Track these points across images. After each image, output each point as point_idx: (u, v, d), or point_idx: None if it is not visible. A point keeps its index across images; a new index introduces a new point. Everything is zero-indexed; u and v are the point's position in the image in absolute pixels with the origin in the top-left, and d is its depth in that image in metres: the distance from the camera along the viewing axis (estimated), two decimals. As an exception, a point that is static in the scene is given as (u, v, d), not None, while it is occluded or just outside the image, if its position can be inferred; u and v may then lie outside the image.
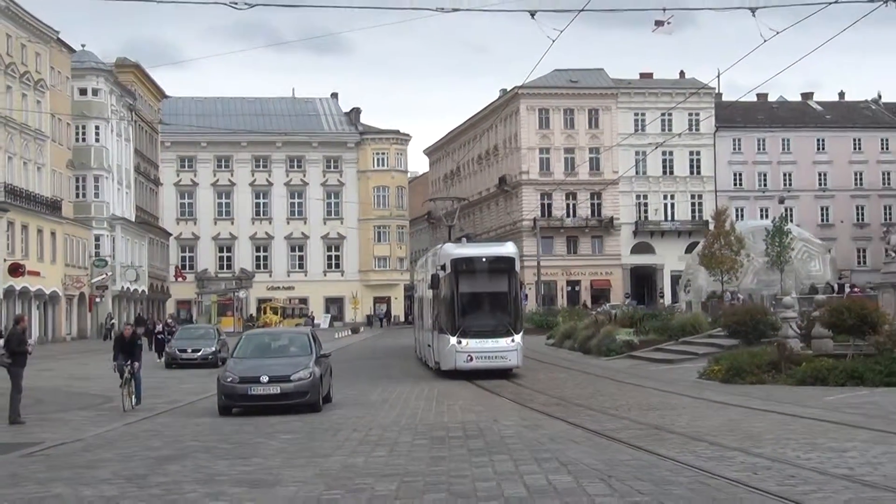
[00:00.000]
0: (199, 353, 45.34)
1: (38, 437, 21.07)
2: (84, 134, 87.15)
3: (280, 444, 19.09)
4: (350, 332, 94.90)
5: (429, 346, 37.91)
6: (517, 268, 34.54)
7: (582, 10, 27.21)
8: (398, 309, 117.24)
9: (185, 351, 45.18)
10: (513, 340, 32.50)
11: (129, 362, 26.05)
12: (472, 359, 31.70)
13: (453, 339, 32.08)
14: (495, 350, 32.14)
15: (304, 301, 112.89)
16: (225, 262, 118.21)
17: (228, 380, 24.02)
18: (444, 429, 20.89)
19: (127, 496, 13.51)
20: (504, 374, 33.64)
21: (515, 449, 17.19)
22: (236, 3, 26.70)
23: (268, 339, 29.39)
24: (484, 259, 33.72)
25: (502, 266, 33.62)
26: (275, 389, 23.23)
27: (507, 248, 36.26)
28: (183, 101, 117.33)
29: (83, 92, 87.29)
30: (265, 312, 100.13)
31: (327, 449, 18.04)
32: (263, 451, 18.06)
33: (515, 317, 33.84)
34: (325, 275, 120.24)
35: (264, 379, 23.30)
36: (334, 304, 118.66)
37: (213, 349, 45.71)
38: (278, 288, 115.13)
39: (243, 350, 26.65)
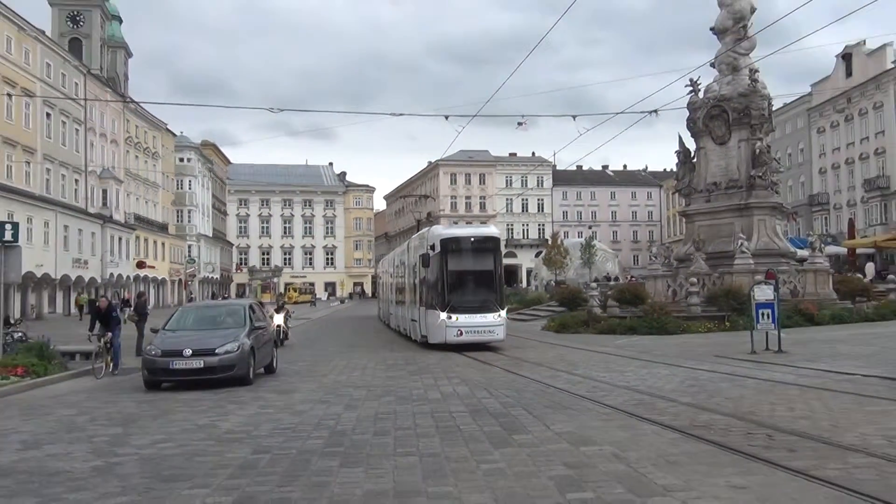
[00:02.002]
0: None
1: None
2: (181, 185, 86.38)
3: (297, 367, 18.99)
4: (340, 303, 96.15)
5: (413, 320, 27.62)
6: (501, 248, 25.88)
7: (475, 115, 27.51)
8: (368, 289, 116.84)
9: None
10: (499, 316, 23.65)
11: (105, 332, 18.18)
12: (461, 333, 23.00)
13: (443, 315, 23.11)
14: (483, 325, 23.30)
15: (312, 284, 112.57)
16: (265, 261, 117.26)
17: (151, 353, 15.31)
18: (393, 360, 20.87)
19: (205, 399, 13.39)
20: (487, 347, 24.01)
21: (436, 371, 17.21)
22: (272, 109, 27.23)
23: (203, 311, 19.44)
24: (472, 239, 24.55)
25: (489, 245, 24.53)
26: (198, 363, 14.83)
27: (492, 230, 26.72)
28: (240, 166, 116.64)
29: (181, 160, 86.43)
30: (288, 291, 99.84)
31: (325, 370, 18.00)
32: (286, 371, 17.98)
33: (501, 293, 24.58)
34: (324, 269, 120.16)
35: (187, 352, 14.91)
36: (330, 286, 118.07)
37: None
38: (297, 277, 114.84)
39: (175, 322, 17.27)
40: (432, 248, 23.98)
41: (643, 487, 6.56)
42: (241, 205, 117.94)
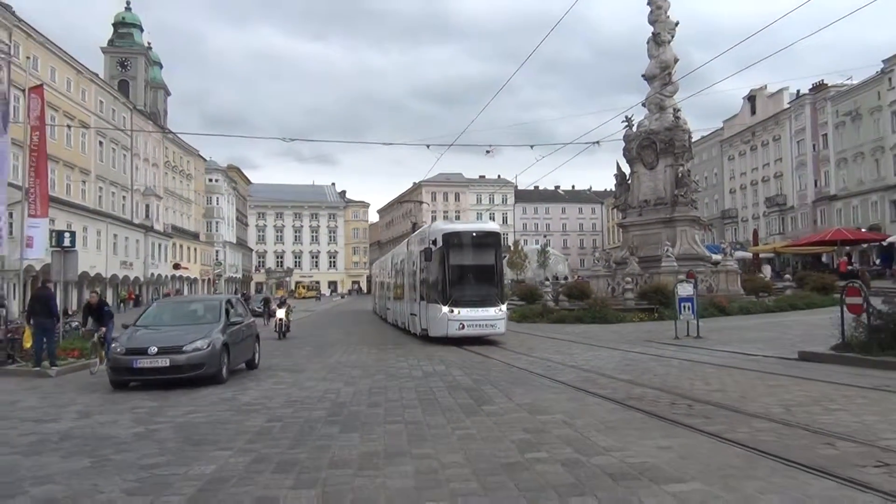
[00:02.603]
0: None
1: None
2: (211, 201, 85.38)
3: (304, 352, 18.85)
4: (340, 298, 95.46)
5: (412, 314, 23.31)
6: (501, 243, 21.88)
7: (451, 144, 28.02)
8: (364, 286, 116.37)
9: (258, 307, 40.44)
10: (500, 310, 19.85)
11: (98, 328, 15.50)
12: (463, 326, 19.27)
13: (445, 308, 19.34)
14: (485, 318, 19.52)
15: (317, 282, 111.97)
16: (279, 263, 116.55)
17: (117, 351, 11.98)
18: (383, 343, 20.78)
19: (229, 379, 13.24)
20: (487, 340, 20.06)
21: (419, 353, 17.13)
22: (285, 139, 27.20)
23: (178, 306, 15.18)
24: (474, 233, 20.53)
25: (490, 240, 20.64)
26: (163, 362, 11.56)
27: (493, 225, 22.69)
28: (259, 186, 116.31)
29: (210, 180, 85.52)
30: (298, 288, 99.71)
31: (329, 354, 17.87)
32: (296, 355, 17.83)
33: (501, 288, 20.77)
34: (328, 270, 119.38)
35: (152, 350, 11.61)
36: (333, 284, 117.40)
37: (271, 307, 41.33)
38: (305, 276, 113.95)
39: (148, 318, 13.62)
40: (433, 242, 20.23)
41: (588, 448, 6.55)
42: (259, 217, 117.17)
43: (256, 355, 14.93)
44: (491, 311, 19.51)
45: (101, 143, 53.14)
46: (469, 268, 20.10)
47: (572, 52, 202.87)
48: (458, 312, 19.24)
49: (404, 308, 25.53)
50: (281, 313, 24.71)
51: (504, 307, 20.08)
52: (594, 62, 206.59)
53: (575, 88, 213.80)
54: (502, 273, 20.78)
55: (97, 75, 54.72)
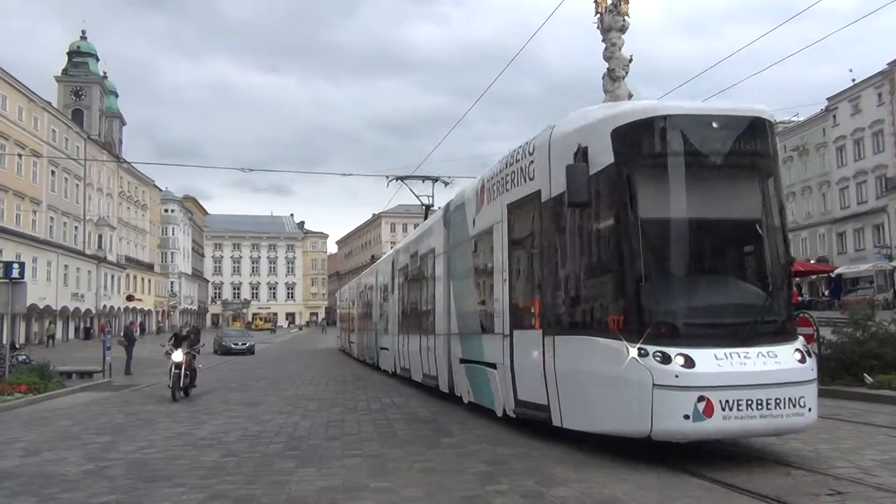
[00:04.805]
0: (245, 346, 38.16)
1: (138, 381, 20.09)
2: (166, 231, 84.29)
3: (262, 384, 18.55)
4: (298, 329, 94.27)
5: (472, 362, 10.14)
6: (777, 152, 6.78)
7: (409, 177, 27.63)
8: (321, 317, 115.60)
9: (236, 344, 37.95)
10: (799, 349, 5.84)
11: None
12: (711, 408, 5.14)
13: (636, 351, 5.38)
14: (768, 379, 5.20)
15: (275, 314, 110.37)
16: (236, 295, 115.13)
17: None
18: (344, 377, 20.55)
19: (183, 411, 12.95)
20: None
21: (378, 386, 17.00)
22: (243, 169, 27.06)
23: None
24: (714, 124, 5.60)
25: (748, 148, 5.97)
26: None
27: (755, 106, 6.54)
28: (216, 217, 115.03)
29: (166, 210, 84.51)
30: (255, 320, 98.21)
31: (286, 387, 17.61)
32: (253, 388, 17.53)
33: (788, 282, 6.15)
34: (286, 301, 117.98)
35: None
36: (291, 316, 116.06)
37: (249, 343, 38.97)
38: (263, 308, 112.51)
39: None
40: (583, 156, 6.86)
41: (549, 480, 6.54)
42: (216, 248, 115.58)
43: None
44: (782, 356, 6.43)
45: (53, 172, 52.17)
46: (703, 227, 6.88)
47: (521, 87, 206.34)
48: (689, 364, 6.16)
49: (437, 349, 13.13)
50: (178, 355, 14.68)
51: (802, 344, 6.84)
52: (542, 97, 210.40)
53: (524, 122, 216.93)
54: (788, 239, 7.48)
55: (50, 104, 53.88)
